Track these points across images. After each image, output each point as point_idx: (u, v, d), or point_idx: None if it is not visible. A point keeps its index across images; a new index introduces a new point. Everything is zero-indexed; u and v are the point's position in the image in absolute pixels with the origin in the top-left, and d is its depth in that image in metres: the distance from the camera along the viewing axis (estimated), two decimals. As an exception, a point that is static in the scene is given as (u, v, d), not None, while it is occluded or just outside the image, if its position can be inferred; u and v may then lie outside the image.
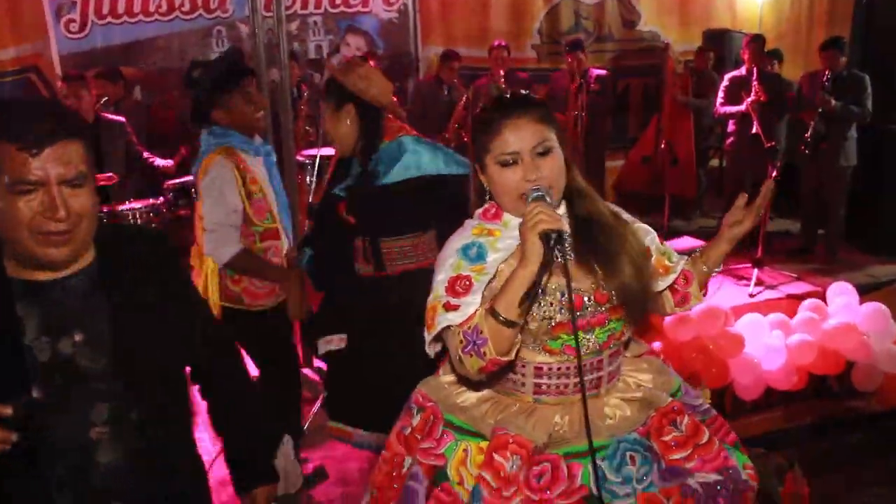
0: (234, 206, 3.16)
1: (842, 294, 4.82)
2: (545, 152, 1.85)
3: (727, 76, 6.77)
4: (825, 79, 6.19)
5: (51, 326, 1.62)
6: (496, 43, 7.17)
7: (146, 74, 7.48)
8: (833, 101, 6.06)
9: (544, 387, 1.95)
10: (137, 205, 5.10)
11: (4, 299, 1.59)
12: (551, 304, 1.85)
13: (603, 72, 7.22)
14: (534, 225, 1.69)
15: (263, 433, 2.08)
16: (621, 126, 8.72)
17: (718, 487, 1.96)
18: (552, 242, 1.67)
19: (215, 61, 3.45)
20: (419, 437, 2.05)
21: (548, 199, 1.79)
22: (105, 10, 7.25)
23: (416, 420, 2.08)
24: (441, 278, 1.87)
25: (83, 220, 1.58)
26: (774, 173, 5.46)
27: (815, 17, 9.41)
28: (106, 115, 5.67)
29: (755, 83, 6.29)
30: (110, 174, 5.01)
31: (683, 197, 7.35)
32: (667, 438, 1.98)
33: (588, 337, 1.90)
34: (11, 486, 1.61)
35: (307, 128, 6.63)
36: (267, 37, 6.83)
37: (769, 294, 5.26)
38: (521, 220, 1.78)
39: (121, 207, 5.01)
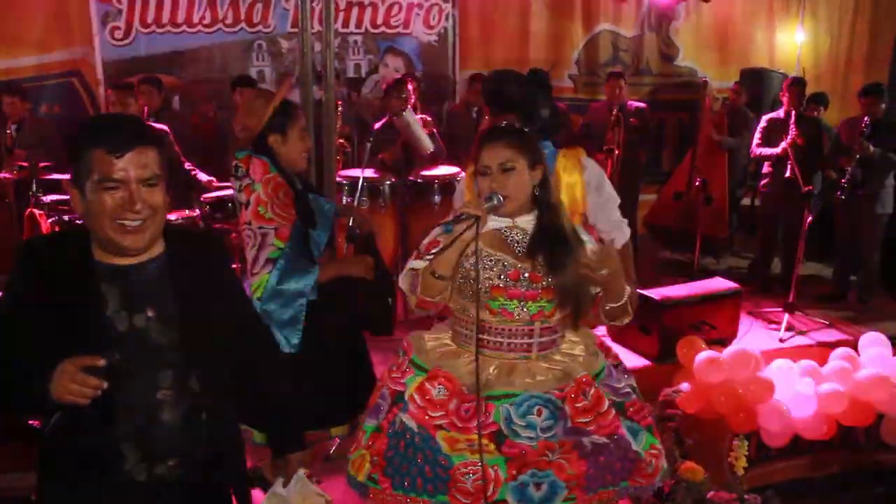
0: None
1: (875, 344, 4.76)
2: (509, 170, 2.46)
3: (765, 117, 6.75)
4: (864, 125, 6.15)
5: (128, 303, 1.94)
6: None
7: (185, 84, 7.57)
8: (872, 148, 6.01)
9: (485, 342, 2.52)
10: (173, 216, 5.10)
11: (92, 278, 1.91)
12: (492, 269, 2.47)
13: (641, 104, 7.22)
14: (459, 207, 2.39)
15: (296, 408, 2.46)
16: (655, 160, 8.73)
17: (604, 448, 2.47)
18: (462, 219, 2.30)
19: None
20: (394, 368, 2.68)
21: (495, 200, 2.42)
22: (150, 19, 7.35)
23: (400, 359, 2.68)
24: (424, 242, 2.56)
25: (156, 214, 1.90)
26: (810, 218, 5.42)
27: (853, 61, 9.40)
28: (149, 123, 5.73)
29: (793, 126, 6.27)
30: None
31: (714, 236, 7.31)
32: (578, 405, 2.47)
33: (521, 306, 2.48)
34: (86, 438, 1.90)
35: (342, 142, 6.66)
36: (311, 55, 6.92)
37: (799, 340, 5.22)
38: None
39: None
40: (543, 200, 2.56)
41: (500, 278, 2.47)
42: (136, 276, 1.95)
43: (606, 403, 2.51)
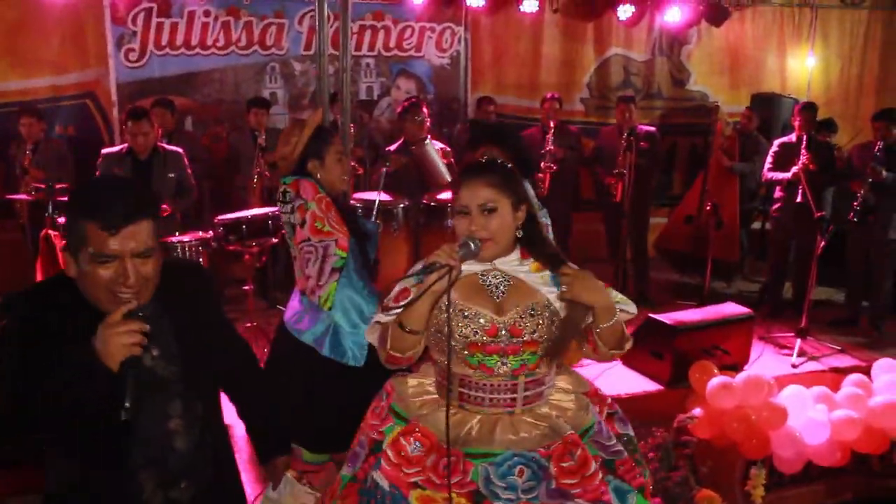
0: None
1: (888, 371, 4.74)
2: (490, 210, 2.28)
3: (777, 142, 6.76)
4: (877, 149, 6.15)
5: None
6: (549, 95, 7.23)
7: (198, 106, 7.62)
8: (884, 173, 6.00)
9: (466, 396, 2.37)
10: (186, 238, 5.15)
11: (93, 329, 1.85)
12: (469, 326, 2.29)
13: (651, 128, 7.24)
14: (431, 255, 2.17)
15: (281, 418, 2.54)
16: (665, 183, 8.73)
17: None
18: (430, 269, 2.13)
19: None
20: (375, 413, 2.51)
21: (472, 246, 2.22)
22: (164, 41, 7.41)
23: (382, 403, 2.51)
24: (395, 290, 2.33)
25: (149, 283, 1.94)
26: (823, 243, 5.40)
27: (864, 86, 9.40)
28: (163, 145, 5.77)
29: (804, 151, 6.27)
30: (163, 206, 5.07)
31: (725, 260, 7.30)
32: (564, 465, 2.28)
33: (503, 361, 2.31)
34: (104, 471, 1.96)
35: (353, 164, 6.69)
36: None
37: (812, 365, 5.20)
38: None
39: (171, 239, 5.07)
40: (531, 243, 2.40)
41: (476, 335, 2.29)
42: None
43: (594, 466, 2.31)
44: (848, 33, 9.29)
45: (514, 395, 2.37)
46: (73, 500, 2.00)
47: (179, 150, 5.81)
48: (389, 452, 2.34)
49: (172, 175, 5.65)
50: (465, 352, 2.31)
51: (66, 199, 5.06)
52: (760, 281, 7.41)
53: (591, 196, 7.82)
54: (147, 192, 2.04)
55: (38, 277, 4.87)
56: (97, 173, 5.61)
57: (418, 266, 2.30)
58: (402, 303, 2.22)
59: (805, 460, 4.39)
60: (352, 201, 5.05)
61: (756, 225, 8.40)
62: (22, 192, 5.77)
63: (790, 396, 4.50)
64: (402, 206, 5.66)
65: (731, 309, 5.28)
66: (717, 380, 4.37)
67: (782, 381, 4.66)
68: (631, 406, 3.73)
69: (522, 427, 2.35)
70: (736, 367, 4.79)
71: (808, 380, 4.81)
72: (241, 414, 2.45)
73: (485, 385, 2.35)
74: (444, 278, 2.13)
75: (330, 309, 3.45)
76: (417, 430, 2.34)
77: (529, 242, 2.39)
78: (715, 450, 4.23)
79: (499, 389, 2.34)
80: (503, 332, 2.29)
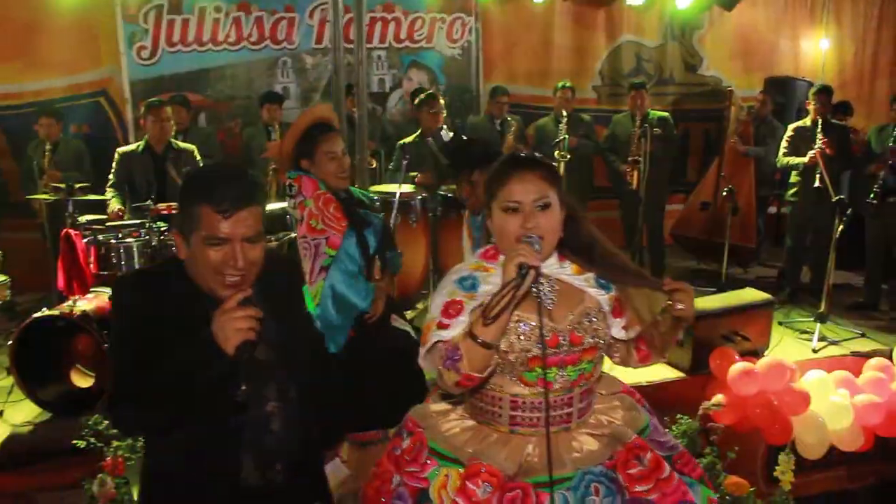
0: None
1: (910, 354, 4.73)
2: (544, 206, 2.08)
3: (791, 126, 6.71)
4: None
5: None
6: (562, 84, 7.22)
7: (211, 102, 7.64)
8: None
9: (519, 419, 2.16)
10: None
11: (201, 307, 1.97)
12: (529, 338, 2.08)
13: (664, 113, 7.21)
14: (514, 256, 1.96)
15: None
16: (680, 170, 8.69)
17: None
18: (524, 272, 1.92)
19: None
20: (407, 458, 2.24)
21: (537, 246, 2.02)
22: (175, 38, 7.43)
23: (405, 443, 2.27)
24: (437, 302, 2.13)
25: (254, 267, 2.01)
26: (841, 227, 5.37)
27: (878, 68, 9.35)
28: (177, 142, 5.79)
29: (821, 135, 6.23)
30: (171, 204, 5.06)
31: (742, 245, 7.27)
32: (632, 472, 2.12)
33: (560, 373, 2.13)
34: (208, 451, 2.03)
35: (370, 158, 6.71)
36: (330, 71, 6.99)
37: (832, 350, 5.17)
38: None
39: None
40: (577, 243, 2.21)
41: (537, 346, 2.07)
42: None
43: (667, 468, 2.15)
44: (862, 14, 9.24)
45: (570, 409, 2.20)
46: (177, 478, 2.07)
47: (192, 147, 5.83)
48: (459, 499, 2.08)
49: (187, 168, 5.67)
50: (523, 367, 2.10)
51: (85, 198, 5.10)
52: (777, 266, 7.38)
53: (605, 184, 7.80)
54: (257, 180, 2.11)
55: (59, 277, 4.89)
56: (113, 171, 5.64)
57: (463, 272, 2.16)
58: (493, 313, 1.92)
59: (828, 445, 4.38)
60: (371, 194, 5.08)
61: (772, 210, 8.37)
62: (40, 191, 5.80)
63: (812, 381, 4.49)
64: (419, 198, 5.67)
65: (750, 294, 5.26)
66: (738, 366, 4.37)
67: (803, 367, 4.65)
68: (653, 394, 3.73)
69: (584, 441, 2.19)
70: (756, 353, 4.77)
71: (829, 364, 4.80)
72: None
73: (540, 403, 2.13)
74: (526, 282, 1.93)
75: (318, 305, 3.45)
76: (483, 470, 2.09)
77: (575, 246, 2.21)
78: (735, 436, 4.23)
79: (554, 406, 2.15)
80: (563, 341, 2.12)
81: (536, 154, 2.25)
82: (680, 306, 2.12)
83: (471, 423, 2.26)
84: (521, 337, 2.09)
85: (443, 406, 2.34)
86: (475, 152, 3.94)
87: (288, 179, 3.58)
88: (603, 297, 2.21)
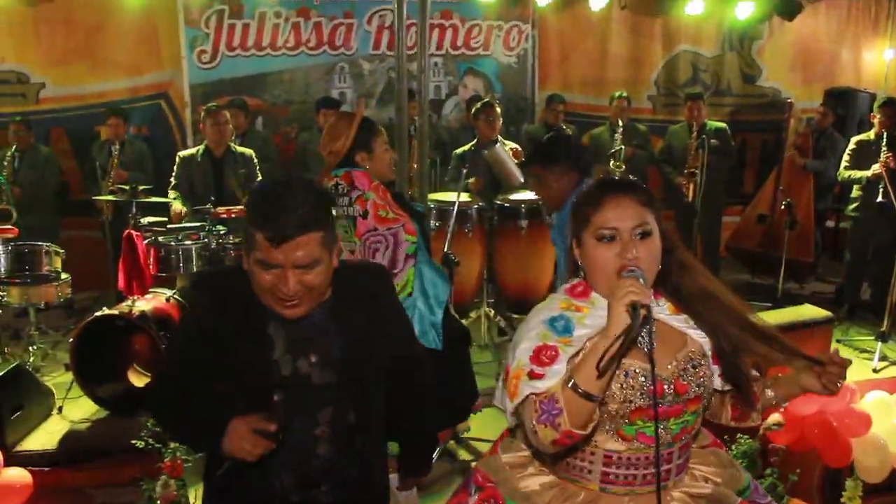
0: None
1: (976, 377, 4.59)
2: (644, 235, 1.84)
3: (854, 139, 6.58)
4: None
5: (294, 349, 2.02)
6: (618, 94, 7.18)
7: (268, 106, 7.73)
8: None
9: (612, 476, 1.90)
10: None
11: (260, 321, 1.99)
12: (633, 387, 1.82)
13: (721, 124, 7.13)
14: (624, 295, 1.66)
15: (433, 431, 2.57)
16: (736, 181, 8.58)
17: None
18: (639, 315, 1.63)
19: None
20: None
21: (642, 280, 1.74)
22: (235, 43, 7.55)
23: (473, 499, 2.03)
24: (525, 346, 1.84)
25: (312, 291, 1.92)
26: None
27: (944, 79, 9.12)
28: (235, 146, 5.87)
29: (885, 149, 6.10)
30: (230, 208, 5.13)
31: (799, 260, 7.15)
32: None
33: (663, 426, 1.85)
34: (247, 468, 1.96)
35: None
36: (386, 77, 7.04)
37: (894, 370, 5.06)
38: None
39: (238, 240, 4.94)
40: (675, 261, 1.96)
41: (641, 397, 1.82)
42: (304, 322, 1.99)
43: None
44: (927, 24, 9.03)
45: (669, 466, 1.92)
46: (225, 486, 2.09)
47: (250, 151, 5.91)
48: None
49: (244, 171, 5.75)
50: (624, 420, 1.84)
51: (148, 199, 5.19)
52: (835, 281, 7.25)
53: (659, 195, 7.73)
54: (322, 202, 1.94)
55: (119, 277, 4.98)
56: (174, 174, 5.74)
57: (553, 311, 1.89)
58: (605, 363, 1.64)
59: (889, 469, 4.27)
60: (429, 203, 5.10)
61: (830, 224, 8.22)
62: (105, 191, 5.92)
63: (873, 402, 4.38)
64: (475, 207, 5.67)
65: (809, 311, 5.16)
66: (796, 385, 4.28)
67: (863, 387, 4.54)
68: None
69: (679, 503, 1.95)
70: (815, 372, 4.67)
71: (892, 385, 4.68)
72: (402, 422, 2.36)
73: (637, 459, 1.88)
74: (640, 326, 1.65)
75: (409, 295, 3.44)
76: None
77: (674, 286, 1.96)
78: (794, 457, 4.15)
79: (651, 462, 1.85)
80: (668, 390, 1.86)
81: (631, 177, 2.04)
82: (831, 388, 1.95)
83: (550, 478, 1.98)
84: (623, 386, 1.82)
85: (515, 457, 2.05)
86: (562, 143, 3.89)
87: (335, 178, 3.52)
88: (704, 340, 1.95)
